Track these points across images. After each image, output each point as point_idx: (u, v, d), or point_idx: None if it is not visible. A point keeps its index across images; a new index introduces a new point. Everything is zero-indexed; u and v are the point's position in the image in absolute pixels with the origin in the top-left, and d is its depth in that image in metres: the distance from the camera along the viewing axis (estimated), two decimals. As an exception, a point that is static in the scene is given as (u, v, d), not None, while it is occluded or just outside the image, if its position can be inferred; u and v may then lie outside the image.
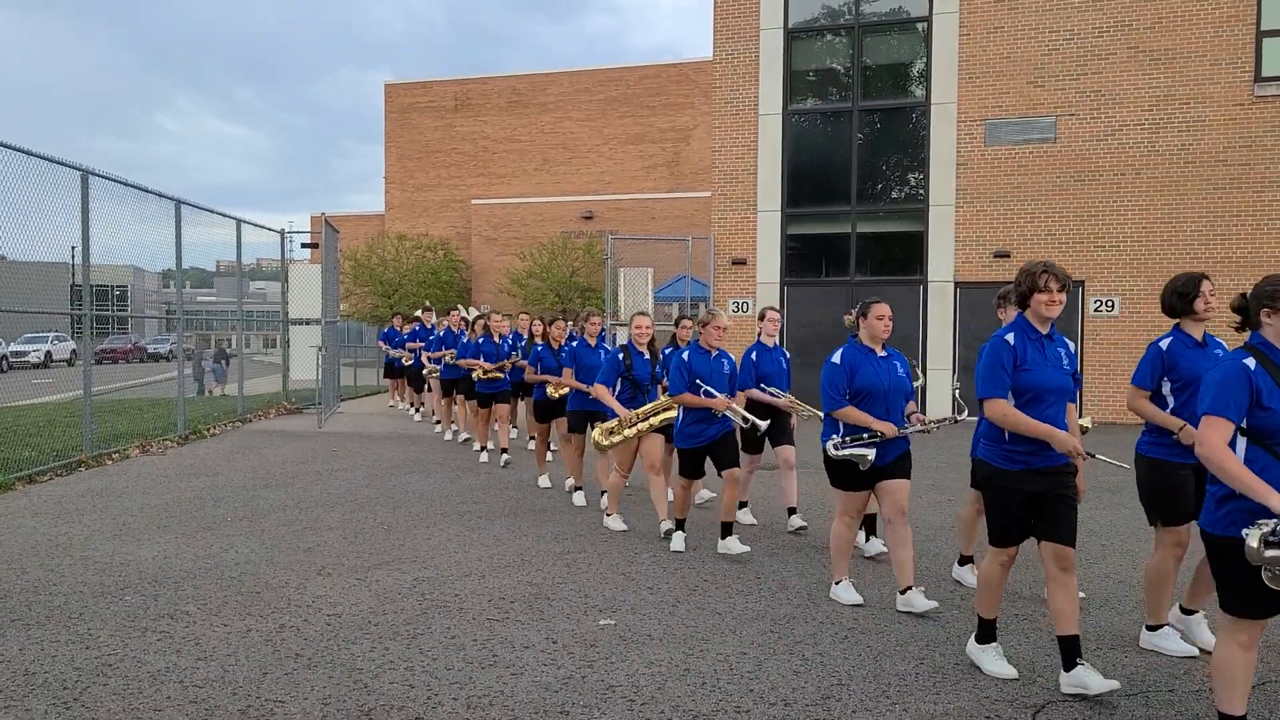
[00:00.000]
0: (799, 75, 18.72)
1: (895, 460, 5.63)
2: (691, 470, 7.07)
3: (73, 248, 11.45)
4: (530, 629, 5.17)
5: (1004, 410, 4.39)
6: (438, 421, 14.60)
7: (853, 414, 5.55)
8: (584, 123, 37.94)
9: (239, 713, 4.04)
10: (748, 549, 6.78)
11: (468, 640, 4.97)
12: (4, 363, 29.47)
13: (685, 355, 6.93)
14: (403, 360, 16.70)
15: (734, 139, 18.81)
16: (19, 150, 9.52)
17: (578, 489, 9.06)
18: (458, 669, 4.57)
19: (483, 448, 11.77)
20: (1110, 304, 16.92)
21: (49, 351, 33.34)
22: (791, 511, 7.76)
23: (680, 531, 7.14)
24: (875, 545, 6.99)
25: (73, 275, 13.29)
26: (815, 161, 18.75)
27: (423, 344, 15.53)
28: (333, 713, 4.05)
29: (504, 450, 11.27)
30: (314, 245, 21.14)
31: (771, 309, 8.17)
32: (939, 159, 17.82)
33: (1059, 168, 17.21)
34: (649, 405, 7.63)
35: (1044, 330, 4.50)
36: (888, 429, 5.50)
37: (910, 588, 5.51)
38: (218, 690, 4.28)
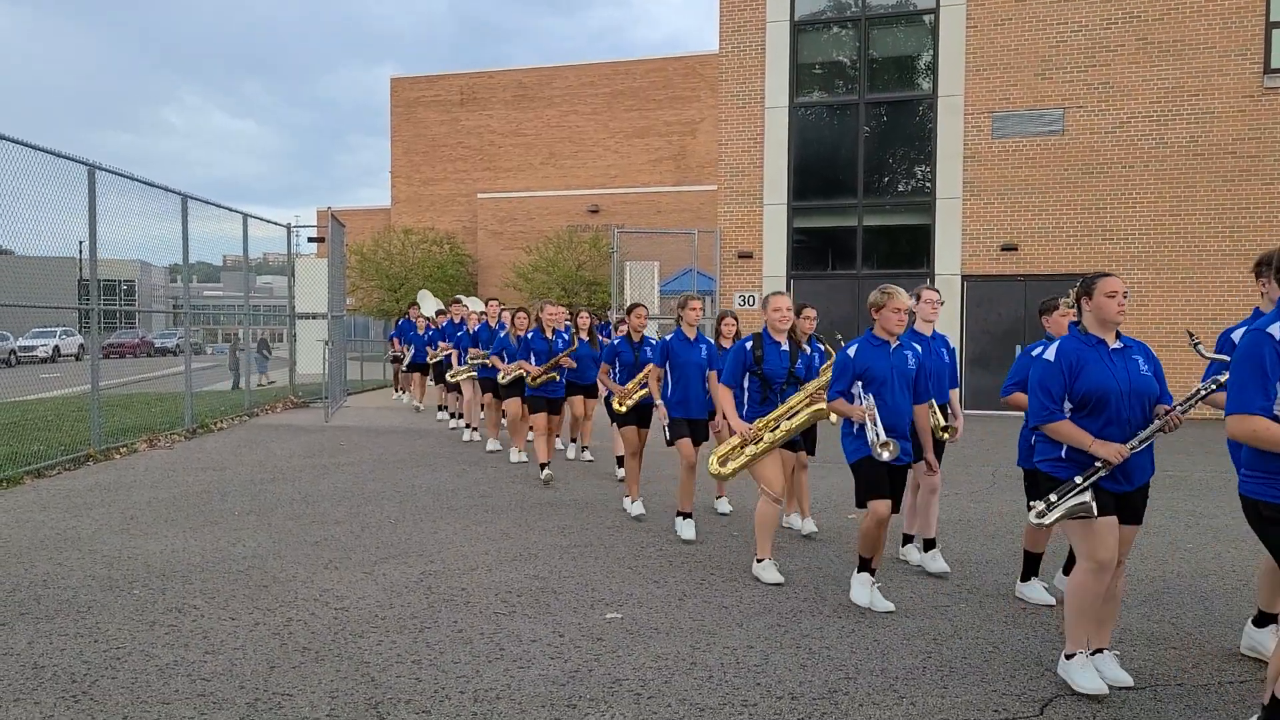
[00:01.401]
0: (805, 68, 18.69)
1: (1136, 492, 4.28)
2: (880, 486, 5.31)
3: (80, 242, 11.48)
4: (537, 623, 5.17)
5: (1253, 427, 3.35)
6: (470, 427, 12.97)
7: (1068, 431, 4.17)
8: (590, 116, 37.92)
9: (247, 705, 4.04)
10: (889, 606, 5.48)
11: (475, 634, 4.98)
12: (12, 357, 29.59)
13: (852, 351, 5.42)
14: (427, 358, 15.39)
15: (740, 132, 18.78)
16: (26, 145, 9.53)
17: (684, 515, 7.25)
18: (465, 662, 4.57)
19: (543, 464, 9.72)
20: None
21: (57, 346, 33.44)
22: (929, 545, 6.35)
23: (867, 572, 5.46)
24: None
25: (80, 270, 13.33)
26: (821, 155, 18.72)
27: (453, 344, 13.75)
28: (340, 706, 4.05)
29: (544, 465, 9.54)
30: (320, 240, 21.13)
31: (928, 288, 6.48)
32: (946, 152, 17.78)
33: (1067, 160, 17.15)
34: (781, 408, 6.07)
35: None
36: (1110, 453, 4.07)
37: (1102, 650, 4.40)
38: (226, 683, 4.29)
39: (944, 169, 17.81)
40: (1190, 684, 4.36)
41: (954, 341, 17.44)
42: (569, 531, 7.42)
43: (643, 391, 8.05)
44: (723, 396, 6.20)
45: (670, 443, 7.34)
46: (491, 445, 11.86)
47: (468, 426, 12.97)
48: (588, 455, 11.00)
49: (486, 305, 12.56)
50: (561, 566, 6.36)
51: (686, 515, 7.21)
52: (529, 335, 9.80)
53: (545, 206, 36.06)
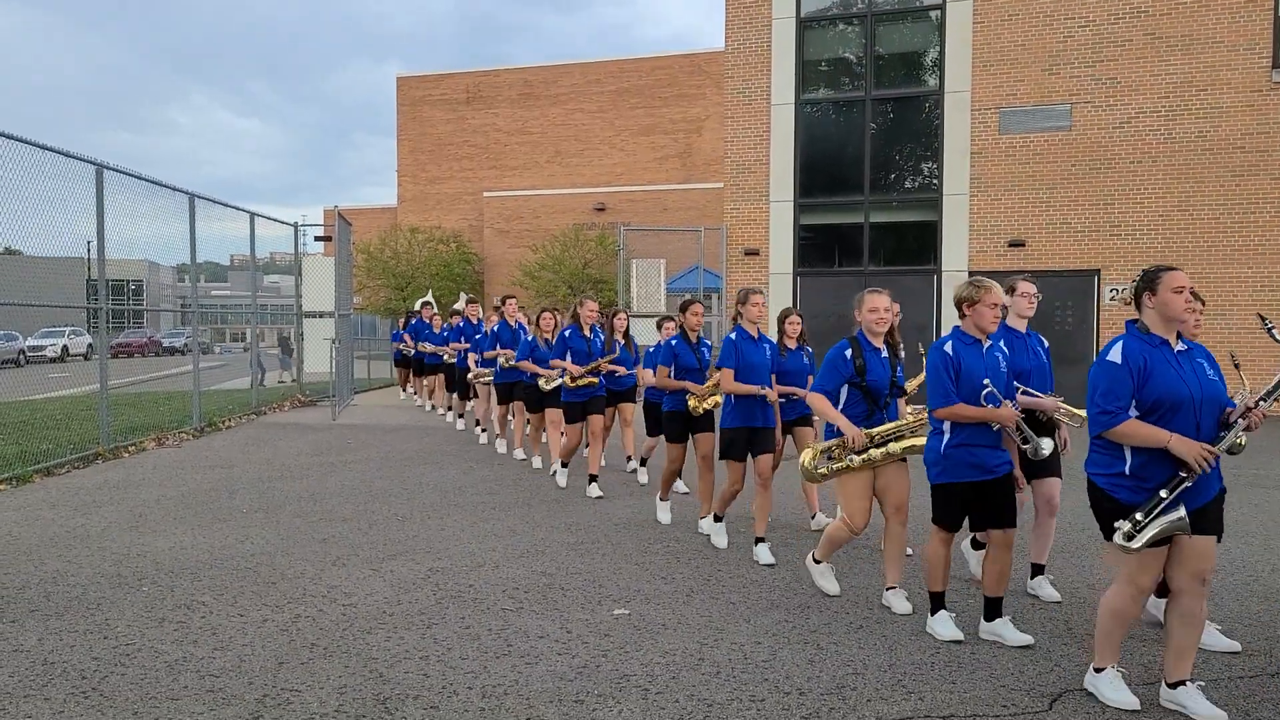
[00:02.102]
0: (811, 65, 18.65)
1: (1209, 504, 3.96)
2: (955, 517, 4.86)
3: (88, 242, 11.52)
4: (544, 619, 5.17)
5: None
6: (484, 430, 12.43)
7: (1141, 431, 3.85)
8: (596, 114, 37.91)
9: (255, 702, 4.05)
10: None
11: (482, 630, 4.98)
12: (21, 357, 29.71)
13: (949, 347, 4.81)
14: (444, 357, 14.72)
15: (746, 129, 18.76)
16: (33, 144, 9.56)
17: (759, 540, 6.53)
18: (473, 658, 4.58)
19: (564, 462, 9.27)
20: (1126, 293, 16.81)
21: (65, 346, 33.56)
22: (1038, 570, 5.67)
23: (945, 609, 4.97)
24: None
25: (88, 270, 13.37)
26: (828, 151, 18.69)
27: (469, 344, 12.99)
28: (349, 702, 4.06)
29: (594, 477, 8.71)
30: (327, 238, 21.25)
31: (1025, 279, 5.70)
32: (953, 148, 17.73)
33: (1074, 156, 17.10)
34: (890, 425, 5.39)
35: None
36: (1193, 451, 3.79)
37: (1183, 682, 4.02)
38: (234, 680, 4.30)
39: (951, 165, 17.77)
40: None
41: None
42: (576, 528, 7.42)
43: (716, 398, 7.15)
44: (821, 405, 5.44)
45: (722, 457, 6.62)
46: (502, 449, 11.30)
47: (485, 432, 12.37)
48: (633, 466, 9.93)
49: (503, 304, 11.40)
50: (569, 563, 6.36)
51: (719, 518, 6.89)
52: (566, 334, 8.96)
53: (551, 205, 36.06)
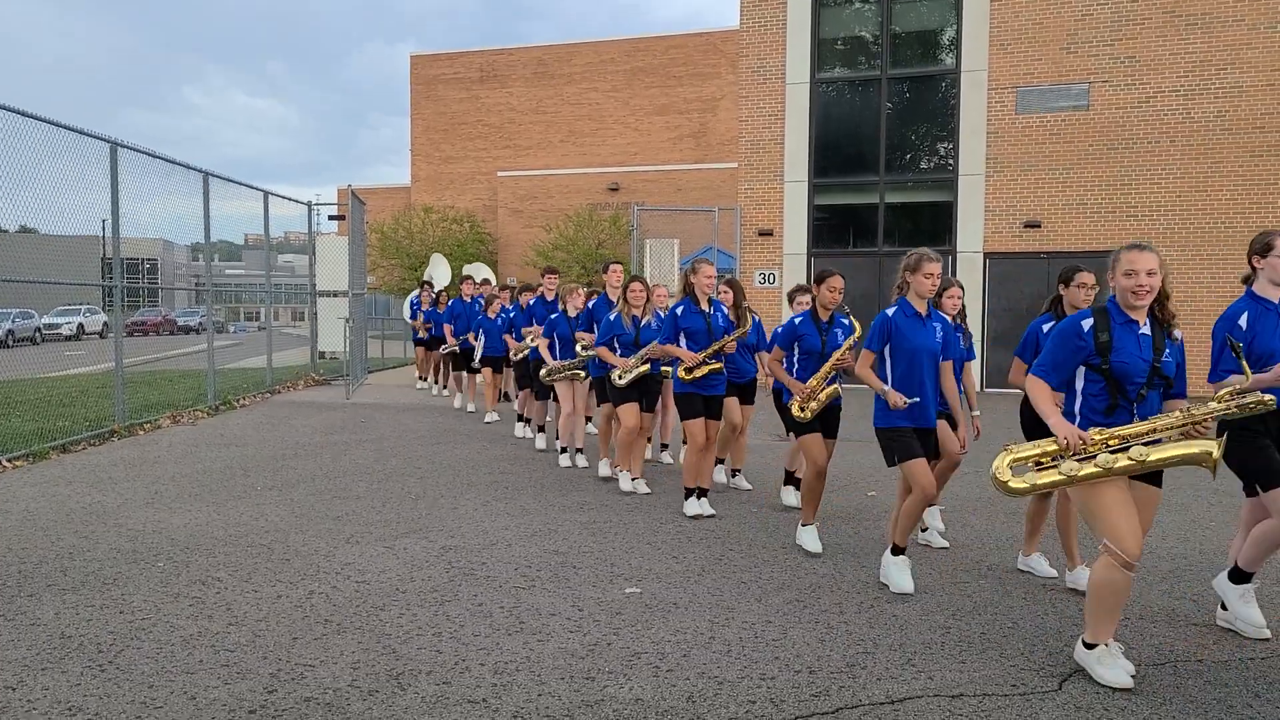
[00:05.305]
0: (827, 43, 18.53)
1: None
2: None
3: (103, 221, 11.56)
4: (556, 597, 5.19)
5: None
6: (571, 449, 9.28)
7: None
8: (610, 94, 37.79)
9: (270, 676, 4.09)
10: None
11: (494, 607, 5.01)
12: (38, 335, 29.91)
13: (1244, 320, 3.77)
14: (508, 350, 11.35)
15: (761, 109, 18.67)
16: (49, 122, 9.58)
17: (899, 550, 5.40)
18: (485, 635, 4.60)
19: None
20: None
21: (81, 324, 33.76)
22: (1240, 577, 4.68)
23: None
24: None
25: (103, 248, 13.43)
26: (843, 131, 18.59)
27: (546, 335, 9.41)
28: (362, 677, 4.09)
29: (704, 491, 7.15)
30: (341, 218, 21.27)
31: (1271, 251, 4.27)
32: (969, 128, 17.62)
33: (1092, 136, 16.96)
34: (1141, 425, 3.96)
35: None
36: None
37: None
38: (249, 654, 4.34)
39: (967, 145, 17.65)
40: (1210, 660, 4.34)
41: (976, 320, 17.37)
42: (588, 508, 7.44)
43: (830, 389, 6.07)
44: (1035, 388, 4.14)
45: (896, 461, 5.30)
46: (604, 470, 8.67)
47: (563, 451, 9.35)
48: (743, 482, 8.19)
49: (607, 271, 8.90)
50: (580, 542, 6.38)
51: (900, 550, 5.37)
52: (678, 310, 7.03)
53: (565, 184, 36.01)
